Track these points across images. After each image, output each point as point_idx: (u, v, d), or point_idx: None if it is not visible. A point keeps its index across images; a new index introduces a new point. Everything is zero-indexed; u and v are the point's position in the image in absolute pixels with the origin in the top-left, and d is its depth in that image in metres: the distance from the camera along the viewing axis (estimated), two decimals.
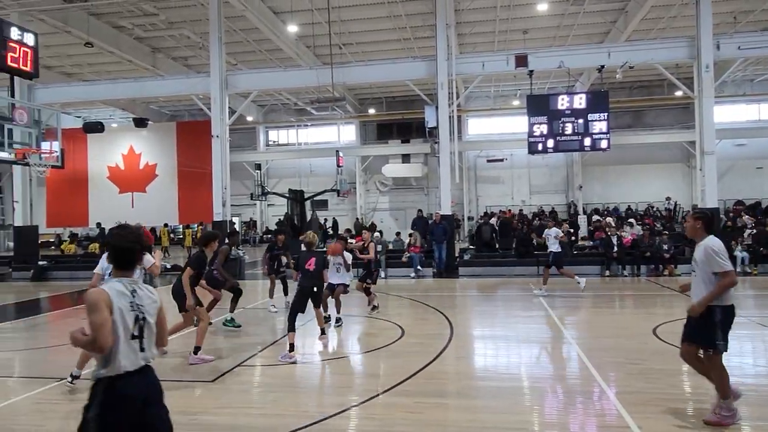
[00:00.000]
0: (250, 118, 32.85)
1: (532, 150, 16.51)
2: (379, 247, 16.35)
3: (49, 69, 24.39)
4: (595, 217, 23.84)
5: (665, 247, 15.55)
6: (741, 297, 11.42)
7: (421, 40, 23.13)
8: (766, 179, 29.89)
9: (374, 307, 10.22)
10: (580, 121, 15.99)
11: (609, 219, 20.76)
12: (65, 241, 26.78)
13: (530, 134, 16.33)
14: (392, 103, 33.60)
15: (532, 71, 16.78)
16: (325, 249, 8.05)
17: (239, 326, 9.21)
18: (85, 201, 22.16)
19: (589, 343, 7.73)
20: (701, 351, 4.70)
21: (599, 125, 16.00)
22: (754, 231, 16.79)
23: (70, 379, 6.00)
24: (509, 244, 17.57)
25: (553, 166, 32.75)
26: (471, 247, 18.19)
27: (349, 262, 9.12)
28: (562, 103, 16.15)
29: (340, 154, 27.50)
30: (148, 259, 6.65)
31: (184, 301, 7.00)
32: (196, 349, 7.04)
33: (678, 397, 5.46)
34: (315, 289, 7.38)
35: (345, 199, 32.75)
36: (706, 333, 4.57)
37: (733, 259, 14.05)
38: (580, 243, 18.73)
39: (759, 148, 29.69)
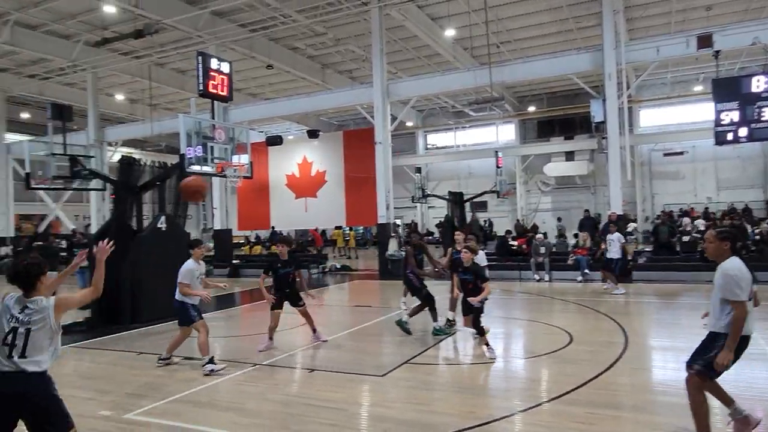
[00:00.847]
0: (409, 124, 33.88)
1: (720, 140, 14.60)
2: (542, 249, 15.83)
3: (238, 91, 27.77)
4: None
5: None
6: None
7: (584, 30, 21.86)
8: None
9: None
10: None
11: None
12: (253, 242, 30.16)
13: (717, 123, 14.47)
14: (553, 99, 32.16)
15: (718, 52, 14.88)
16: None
17: (408, 332, 8.72)
18: (267, 206, 24.81)
19: None
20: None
21: None
22: None
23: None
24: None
25: (746, 158, 28.55)
26: (647, 249, 16.65)
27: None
28: (758, 85, 14.03)
29: (499, 154, 27.06)
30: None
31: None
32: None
33: None
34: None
35: (505, 200, 32.13)
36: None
37: None
38: None
39: None
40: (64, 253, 15.05)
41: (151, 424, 5.21)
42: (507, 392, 6.03)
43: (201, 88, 10.74)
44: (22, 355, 3.38)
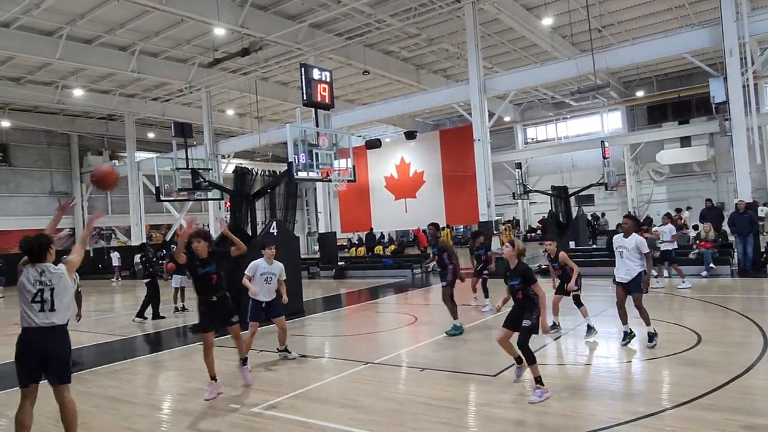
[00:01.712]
0: (507, 119, 33.11)
1: None
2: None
3: (336, 99, 28.60)
4: None
5: None
6: None
7: (697, 3, 20.18)
8: None
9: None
10: None
11: None
12: (356, 244, 31.01)
13: None
14: (664, 82, 29.90)
15: None
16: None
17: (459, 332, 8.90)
18: (367, 208, 25.44)
19: None
20: None
21: None
22: None
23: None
24: None
25: None
26: None
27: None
28: None
29: (606, 144, 25.63)
30: None
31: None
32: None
33: None
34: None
35: (614, 192, 30.35)
36: None
37: None
38: None
39: None
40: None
41: (278, 418, 5.54)
42: (629, 395, 5.71)
43: (305, 97, 11.22)
44: (51, 309, 4.22)
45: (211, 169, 14.67)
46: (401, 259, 22.00)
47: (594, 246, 22.47)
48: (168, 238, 30.30)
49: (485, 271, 11.30)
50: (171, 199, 15.69)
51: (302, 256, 29.65)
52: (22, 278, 4.32)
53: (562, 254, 8.33)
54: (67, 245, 30.40)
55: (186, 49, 21.81)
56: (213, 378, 6.37)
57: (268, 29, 18.90)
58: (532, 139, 36.44)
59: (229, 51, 20.47)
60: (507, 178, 33.36)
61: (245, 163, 27.51)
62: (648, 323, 7.29)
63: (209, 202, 26.26)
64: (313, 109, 12.01)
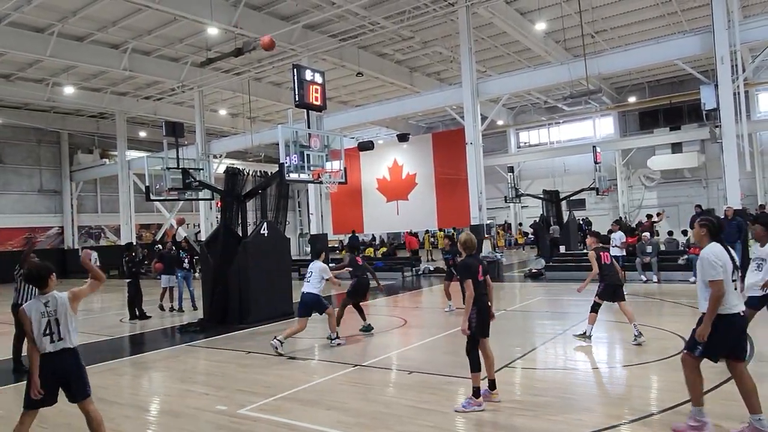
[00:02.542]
0: (500, 122, 33.19)
1: None
2: (649, 248, 14.89)
3: (329, 100, 28.53)
4: None
5: None
6: None
7: (690, 11, 20.31)
8: None
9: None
10: None
11: None
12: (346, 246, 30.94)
13: None
14: (656, 88, 30.12)
15: None
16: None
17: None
18: (360, 210, 25.38)
19: None
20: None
21: None
22: None
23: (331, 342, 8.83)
24: None
25: None
26: None
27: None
28: None
29: (598, 149, 25.75)
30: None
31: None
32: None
33: None
34: (490, 303, 5.78)
35: (605, 197, 30.52)
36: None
37: None
38: None
39: None
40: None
41: (263, 420, 5.50)
42: (616, 400, 5.73)
43: (297, 99, 11.20)
44: (60, 338, 4.42)
45: (203, 169, 14.58)
46: (392, 262, 21.98)
47: (585, 250, 22.54)
48: (158, 237, 30.11)
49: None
50: (161, 198, 15.57)
51: (294, 258, 29.60)
52: (32, 308, 4.46)
53: (590, 254, 8.13)
54: (55, 244, 30.19)
55: (179, 48, 21.71)
56: None
57: (262, 29, 18.82)
58: (525, 143, 36.57)
59: (222, 51, 20.37)
60: (499, 181, 33.42)
61: (237, 164, 27.41)
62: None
63: (200, 202, 26.12)
64: (305, 111, 11.98)
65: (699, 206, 18.66)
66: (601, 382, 6.50)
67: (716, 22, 14.60)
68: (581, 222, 28.15)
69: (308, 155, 11.09)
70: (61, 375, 4.45)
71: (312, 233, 23.60)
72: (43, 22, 18.56)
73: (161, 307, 13.99)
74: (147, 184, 14.45)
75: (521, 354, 7.69)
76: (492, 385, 5.67)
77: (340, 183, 12.18)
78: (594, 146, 26.20)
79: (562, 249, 20.32)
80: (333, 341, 8.87)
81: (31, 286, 6.67)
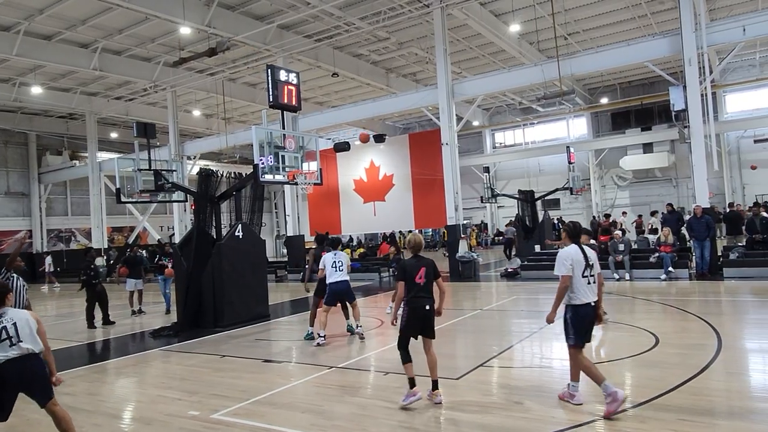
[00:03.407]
0: (476, 123, 33.47)
1: None
2: (621, 247, 15.13)
3: (305, 101, 28.48)
4: None
5: None
6: None
7: (659, 14, 20.77)
8: None
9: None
10: None
11: None
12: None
13: None
14: (628, 89, 30.73)
15: None
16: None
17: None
18: (337, 211, 25.27)
19: None
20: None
21: None
22: None
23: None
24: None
25: None
26: (740, 244, 15.49)
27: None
28: None
29: (571, 149, 26.12)
30: None
31: None
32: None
33: None
34: (427, 307, 5.72)
35: (579, 196, 30.99)
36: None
37: None
38: None
39: None
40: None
41: (237, 425, 5.42)
42: (588, 397, 5.78)
43: (271, 99, 11.08)
44: (19, 340, 4.39)
45: (176, 171, 14.34)
46: (369, 263, 21.94)
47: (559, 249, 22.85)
48: (131, 240, 29.54)
49: None
50: (132, 200, 15.26)
51: (271, 260, 29.37)
52: None
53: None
54: (23, 248, 29.34)
55: (150, 48, 21.36)
56: None
57: (236, 29, 18.67)
58: (500, 143, 36.91)
59: (195, 50, 20.12)
60: (475, 182, 33.69)
61: (212, 165, 27.08)
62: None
63: (173, 204, 25.72)
64: (280, 111, 11.87)
65: (670, 205, 19.05)
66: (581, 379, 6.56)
67: (684, 25, 14.95)
68: (556, 221, 28.52)
69: (283, 156, 10.98)
70: (23, 382, 4.43)
71: (288, 235, 23.44)
72: (9, 20, 18.07)
73: (134, 312, 13.77)
74: (118, 186, 14.16)
75: (497, 353, 7.74)
76: (434, 385, 5.68)
77: (315, 184, 12.09)
78: (568, 146, 26.56)
79: (537, 248, 20.54)
80: (358, 329, 9.30)
81: None
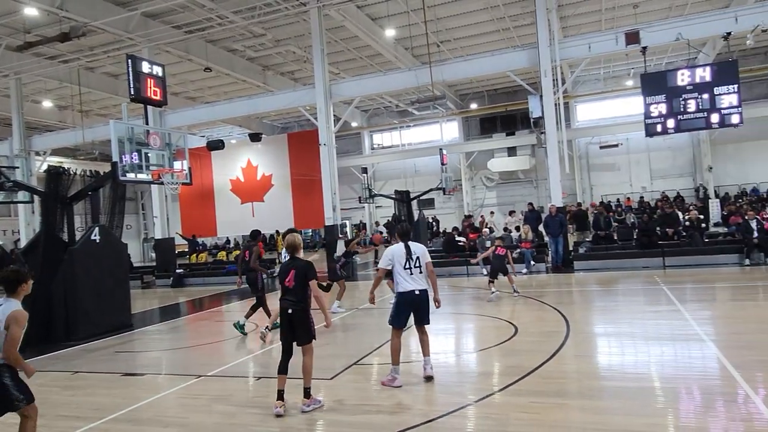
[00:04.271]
0: (354, 124, 33.82)
1: (650, 132, 15.27)
2: (488, 243, 16.11)
3: (176, 95, 26.89)
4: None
5: None
6: None
7: (521, 28, 22.43)
8: None
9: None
10: (705, 96, 14.52)
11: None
12: (197, 250, 29.26)
13: (647, 115, 15.13)
14: (495, 96, 32.89)
15: (645, 48, 15.57)
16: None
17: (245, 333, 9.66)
18: (212, 212, 24.15)
19: (727, 340, 7.04)
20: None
21: (728, 99, 14.41)
22: None
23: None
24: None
25: (676, 148, 30.16)
26: (587, 240, 17.27)
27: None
28: (683, 78, 14.79)
29: (444, 151, 27.32)
30: None
31: None
32: None
33: None
34: (290, 311, 5.49)
35: (451, 196, 32.57)
36: None
37: None
38: (712, 230, 17.08)
39: None
40: None
41: None
42: (454, 387, 6.07)
43: (133, 92, 10.31)
44: None
45: (19, 168, 12.76)
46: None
47: (432, 247, 23.82)
48: None
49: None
50: None
51: (137, 264, 27.28)
52: None
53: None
54: None
55: None
56: None
57: (93, 14, 17.05)
58: (378, 144, 37.67)
59: (44, 35, 18.08)
60: (354, 182, 34.05)
61: (67, 162, 24.57)
62: None
63: (18, 205, 22.85)
64: (143, 105, 11.06)
65: (531, 204, 20.70)
66: (439, 372, 6.83)
67: (540, 40, 16.33)
68: (430, 220, 29.77)
69: (147, 154, 10.26)
70: None
71: (157, 238, 21.96)
72: None
73: None
74: None
75: (369, 351, 7.85)
76: (305, 393, 5.48)
77: (184, 184, 11.45)
78: (441, 149, 27.75)
79: None
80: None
81: None
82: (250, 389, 6.59)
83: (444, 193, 27.81)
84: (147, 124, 10.80)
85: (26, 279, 4.31)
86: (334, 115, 19.27)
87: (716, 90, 14.46)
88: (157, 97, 10.68)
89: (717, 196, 27.45)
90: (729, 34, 14.81)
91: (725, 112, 14.44)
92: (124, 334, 10.61)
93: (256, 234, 10.31)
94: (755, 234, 14.12)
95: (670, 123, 14.89)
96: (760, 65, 26.52)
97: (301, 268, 5.52)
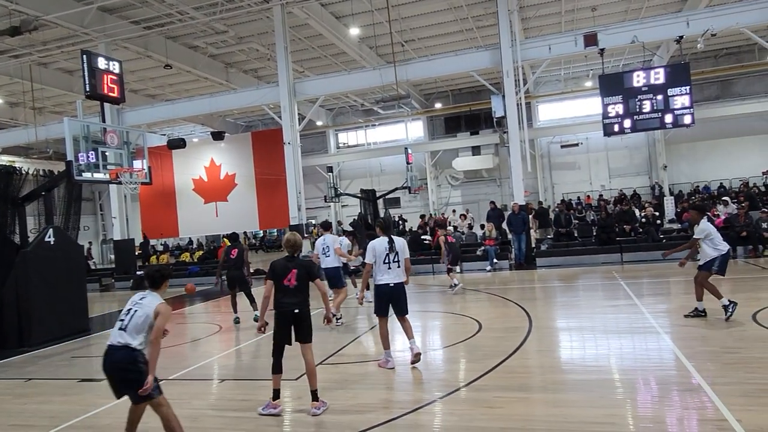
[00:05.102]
0: (319, 123, 33.62)
1: (608, 132, 15.74)
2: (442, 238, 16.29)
3: (135, 93, 26.21)
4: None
5: (765, 225, 14.35)
6: None
7: (483, 29, 22.73)
8: None
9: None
10: (659, 97, 15.05)
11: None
12: (159, 251, 28.62)
13: (605, 115, 15.58)
14: (459, 96, 33.22)
15: (603, 50, 16.02)
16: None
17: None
18: (174, 213, 23.62)
19: (680, 332, 7.30)
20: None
21: (681, 100, 14.98)
22: None
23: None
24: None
25: (633, 147, 31.12)
26: (549, 237, 17.64)
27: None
28: (638, 79, 15.28)
29: (409, 151, 27.52)
30: None
31: None
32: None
33: None
34: (296, 311, 5.38)
35: (417, 195, 32.76)
36: None
37: None
38: (666, 226, 17.69)
39: None
40: None
41: None
42: (419, 384, 6.11)
43: (88, 89, 10.00)
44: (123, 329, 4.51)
45: None
46: (209, 266, 20.86)
47: None
48: None
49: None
50: None
51: (96, 267, 26.46)
52: None
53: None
54: None
55: None
56: None
57: (46, 7, 16.45)
58: (344, 143, 37.58)
59: None
60: (320, 181, 33.86)
61: (19, 161, 23.63)
62: None
63: None
64: (100, 103, 10.74)
65: (493, 203, 20.98)
66: (404, 369, 6.85)
67: (502, 41, 16.59)
68: (397, 219, 29.86)
69: (104, 153, 9.96)
70: (113, 369, 4.56)
71: (116, 239, 21.35)
72: None
73: None
74: None
75: (334, 350, 7.82)
76: (313, 396, 5.34)
77: (143, 183, 11.17)
78: (406, 148, 27.94)
79: None
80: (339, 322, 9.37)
81: None
82: (213, 392, 6.47)
83: (410, 192, 27.97)
84: (104, 121, 10.49)
85: (170, 275, 4.76)
86: (299, 114, 19.14)
87: (670, 91, 15.00)
88: (115, 94, 10.39)
89: (671, 193, 28.45)
90: (681, 37, 15.37)
91: (678, 112, 14.99)
92: (81, 339, 10.28)
93: (236, 236, 11.06)
94: None
95: (627, 123, 15.36)
96: (711, 68, 27.62)
97: (304, 268, 5.44)
